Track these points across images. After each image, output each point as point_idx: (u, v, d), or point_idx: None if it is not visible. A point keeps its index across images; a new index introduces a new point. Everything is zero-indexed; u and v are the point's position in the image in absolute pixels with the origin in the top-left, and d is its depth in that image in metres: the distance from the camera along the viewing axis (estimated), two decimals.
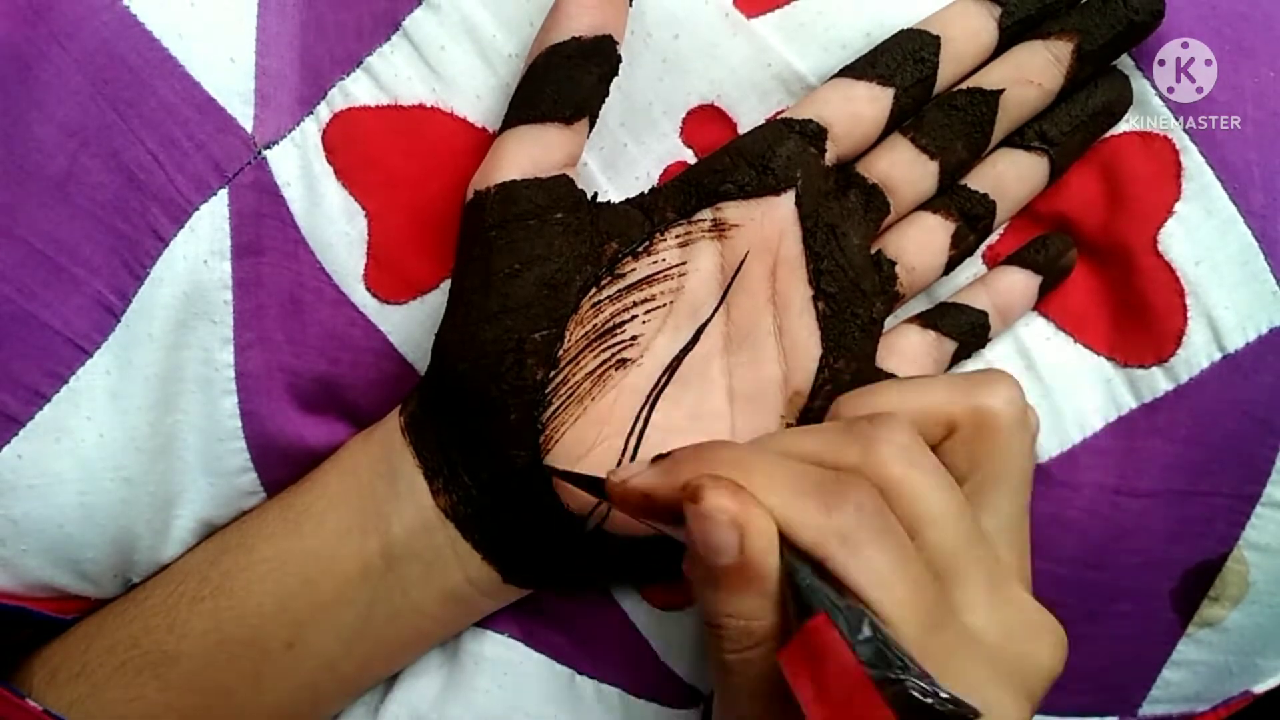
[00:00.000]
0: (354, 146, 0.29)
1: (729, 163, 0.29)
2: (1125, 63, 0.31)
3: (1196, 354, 0.31)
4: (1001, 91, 0.29)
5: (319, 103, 0.29)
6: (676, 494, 0.23)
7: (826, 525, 0.22)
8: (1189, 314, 0.31)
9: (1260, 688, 0.34)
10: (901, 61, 0.29)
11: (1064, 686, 0.34)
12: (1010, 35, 0.30)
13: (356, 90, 0.29)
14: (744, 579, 0.22)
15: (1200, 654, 0.34)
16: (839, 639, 0.19)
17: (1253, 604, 0.33)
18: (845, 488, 0.22)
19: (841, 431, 0.24)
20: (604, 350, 0.29)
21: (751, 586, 0.22)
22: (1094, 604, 0.33)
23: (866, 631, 0.20)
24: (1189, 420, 0.31)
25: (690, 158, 0.31)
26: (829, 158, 0.29)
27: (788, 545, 0.22)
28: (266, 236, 0.29)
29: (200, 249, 0.29)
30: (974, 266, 0.32)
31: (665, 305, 0.29)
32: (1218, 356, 0.31)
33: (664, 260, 0.29)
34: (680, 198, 0.29)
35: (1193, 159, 0.31)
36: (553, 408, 0.28)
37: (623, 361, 0.29)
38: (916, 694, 0.18)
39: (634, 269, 0.29)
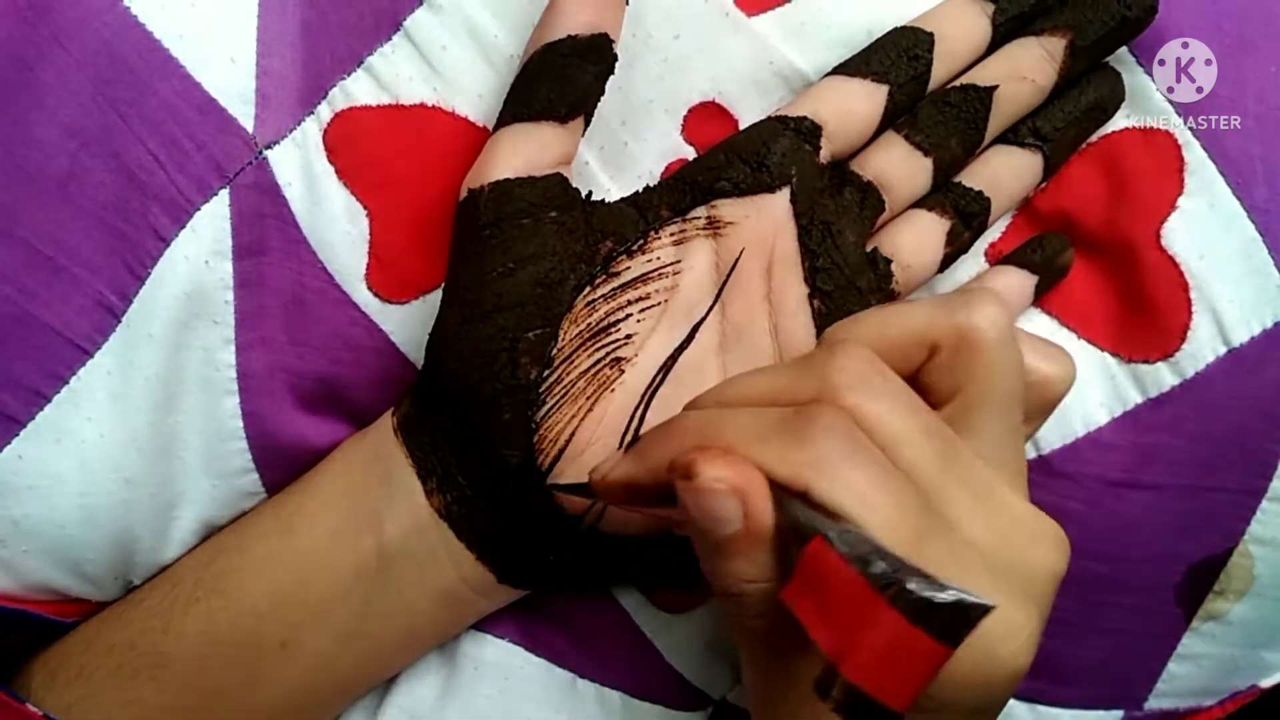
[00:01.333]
0: (355, 146, 0.30)
1: (723, 160, 0.29)
2: (1127, 59, 0.31)
3: (1202, 348, 0.31)
4: (995, 88, 0.30)
5: (320, 102, 0.29)
6: (655, 476, 0.23)
7: (800, 458, 0.21)
8: (1193, 308, 0.31)
9: (1267, 682, 0.34)
10: (896, 59, 0.29)
11: (1069, 679, 0.34)
12: (1004, 32, 0.30)
13: (357, 90, 0.29)
14: (752, 540, 0.21)
15: (1205, 647, 0.33)
16: (835, 557, 0.19)
17: (1258, 597, 0.32)
18: (810, 417, 0.22)
19: (797, 367, 0.24)
20: (598, 349, 0.29)
21: (761, 545, 0.21)
22: (1097, 597, 0.32)
23: (859, 545, 0.19)
24: (1195, 415, 0.31)
25: (691, 155, 0.31)
26: (824, 155, 0.29)
27: (774, 490, 0.21)
28: (268, 236, 0.30)
29: (201, 249, 0.29)
30: (976, 264, 0.32)
31: (660, 304, 0.29)
32: (1223, 351, 0.31)
33: (659, 258, 0.29)
34: (675, 195, 0.29)
35: (1195, 154, 0.31)
36: (546, 407, 0.28)
37: (617, 360, 0.29)
38: (919, 592, 0.17)
39: (628, 267, 0.29)
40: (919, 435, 0.23)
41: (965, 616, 0.17)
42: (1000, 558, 0.22)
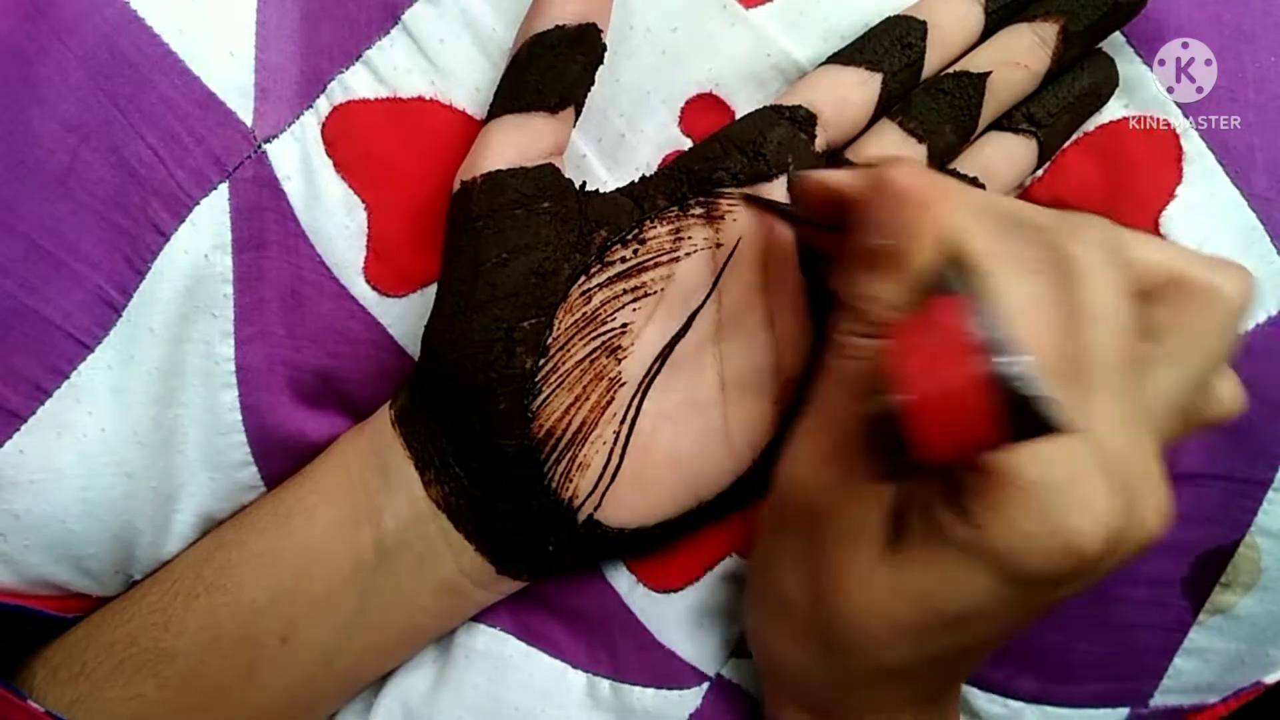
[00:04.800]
0: (353, 139, 0.30)
1: (720, 150, 0.29)
2: (1125, 50, 0.31)
3: None
4: (989, 74, 0.30)
5: (318, 96, 0.30)
6: (853, 194, 0.24)
7: (1000, 247, 0.22)
8: None
9: (1271, 678, 0.33)
10: (889, 47, 0.29)
11: (1077, 677, 0.33)
12: (996, 20, 0.30)
13: (356, 83, 0.30)
14: (897, 267, 0.22)
15: (1212, 641, 0.33)
16: (967, 318, 0.18)
17: (1264, 591, 0.32)
18: (1029, 231, 0.22)
19: (1051, 210, 0.24)
20: (594, 338, 0.29)
21: (900, 275, 0.22)
22: (1104, 589, 0.32)
23: (997, 328, 0.18)
24: None
25: (689, 146, 0.31)
26: (819, 144, 0.29)
27: (954, 260, 0.21)
28: (267, 230, 0.30)
29: (201, 243, 0.29)
30: None
31: (656, 293, 0.29)
32: None
33: (654, 248, 0.29)
34: (671, 185, 0.29)
35: (1193, 143, 0.31)
36: (542, 396, 0.28)
37: (614, 349, 0.29)
38: (1017, 370, 0.17)
39: (624, 257, 0.29)
40: (1115, 325, 0.22)
41: (1038, 418, 0.17)
42: (1118, 470, 0.21)
